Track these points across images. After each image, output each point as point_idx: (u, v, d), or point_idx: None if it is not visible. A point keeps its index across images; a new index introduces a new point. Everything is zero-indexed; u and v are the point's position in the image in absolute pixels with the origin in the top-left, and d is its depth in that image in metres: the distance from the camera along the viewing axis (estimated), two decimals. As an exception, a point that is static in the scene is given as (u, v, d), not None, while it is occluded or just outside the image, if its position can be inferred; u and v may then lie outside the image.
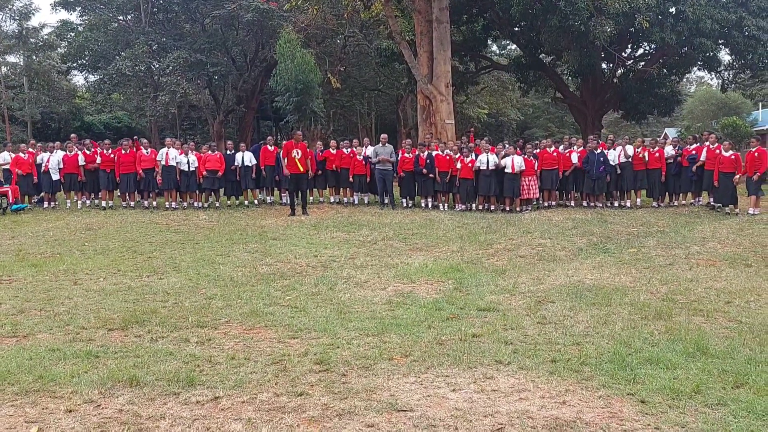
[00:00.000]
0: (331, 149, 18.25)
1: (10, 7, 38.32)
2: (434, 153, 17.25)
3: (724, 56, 33.29)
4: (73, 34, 39.46)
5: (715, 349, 5.98)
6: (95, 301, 7.79)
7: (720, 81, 36.15)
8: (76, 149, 17.30)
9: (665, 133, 54.01)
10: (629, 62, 34.09)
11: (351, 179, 17.86)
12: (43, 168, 16.93)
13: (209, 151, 17.63)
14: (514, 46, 43.81)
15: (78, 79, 47.98)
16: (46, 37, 41.61)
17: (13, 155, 17.23)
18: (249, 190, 18.10)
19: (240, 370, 5.43)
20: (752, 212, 15.29)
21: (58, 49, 41.79)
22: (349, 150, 18.07)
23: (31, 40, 40.18)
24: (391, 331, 6.61)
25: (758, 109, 51.85)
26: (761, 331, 6.62)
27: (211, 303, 7.74)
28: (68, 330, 6.56)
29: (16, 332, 6.49)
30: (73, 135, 19.36)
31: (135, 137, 18.17)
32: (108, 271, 9.61)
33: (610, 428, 4.40)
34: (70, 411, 4.57)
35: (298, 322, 6.93)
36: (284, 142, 17.51)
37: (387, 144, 17.70)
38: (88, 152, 17.29)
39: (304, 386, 5.09)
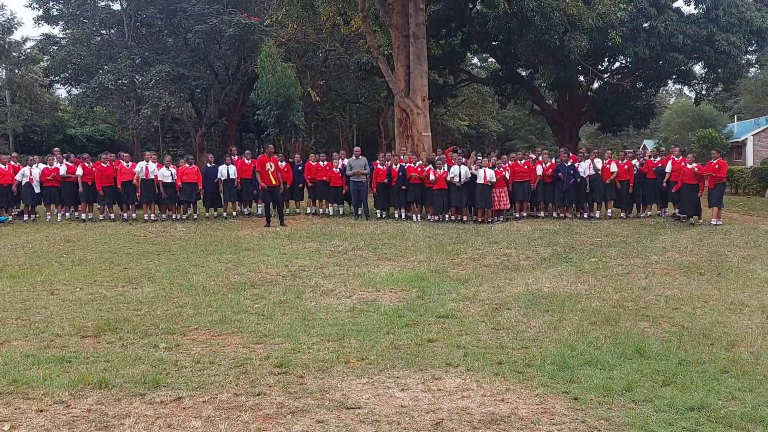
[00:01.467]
0: (311, 161, 18.62)
1: (-8, 21, 38.51)
2: (406, 165, 17.66)
3: (699, 70, 34.05)
4: (55, 48, 39.68)
5: (651, 352, 6.40)
6: (70, 310, 8.10)
7: (695, 94, 36.99)
8: (56, 162, 17.56)
9: (644, 145, 54.92)
10: (605, 76, 34.79)
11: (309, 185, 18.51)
12: (27, 180, 17.17)
13: (186, 164, 17.94)
14: (493, 58, 44.50)
15: (60, 92, 48.19)
16: (28, 50, 41.73)
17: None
18: (229, 202, 18.40)
19: (204, 373, 5.78)
20: (715, 223, 15.81)
21: (41, 62, 41.95)
22: (325, 163, 18.47)
23: (14, 53, 40.27)
24: (351, 336, 6.97)
25: (734, 122, 52.81)
26: (699, 334, 7.05)
27: (182, 311, 8.07)
28: (43, 337, 6.88)
29: (-8, 340, 6.81)
30: (56, 149, 19.64)
31: (118, 152, 18.40)
32: (84, 282, 9.92)
33: (540, 422, 4.80)
34: (41, 411, 4.90)
35: (263, 328, 7.29)
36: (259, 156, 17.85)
37: (360, 156, 18.13)
38: (70, 164, 17.56)
39: (262, 387, 5.45)
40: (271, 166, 16.07)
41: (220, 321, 7.59)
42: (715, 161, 15.85)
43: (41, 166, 17.64)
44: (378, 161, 18.22)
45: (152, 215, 17.55)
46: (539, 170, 17.65)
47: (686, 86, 36.97)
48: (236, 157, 18.47)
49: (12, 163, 17.66)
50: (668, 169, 16.81)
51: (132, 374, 5.67)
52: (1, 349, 6.46)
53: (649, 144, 53.56)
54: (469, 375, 5.82)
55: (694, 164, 16.24)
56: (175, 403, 5.11)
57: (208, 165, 18.31)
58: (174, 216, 17.71)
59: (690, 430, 4.71)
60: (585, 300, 8.70)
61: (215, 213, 18.32)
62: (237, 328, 7.30)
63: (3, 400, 5.11)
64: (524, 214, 17.96)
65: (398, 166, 17.65)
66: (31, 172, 17.30)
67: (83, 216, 17.45)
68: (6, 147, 38.14)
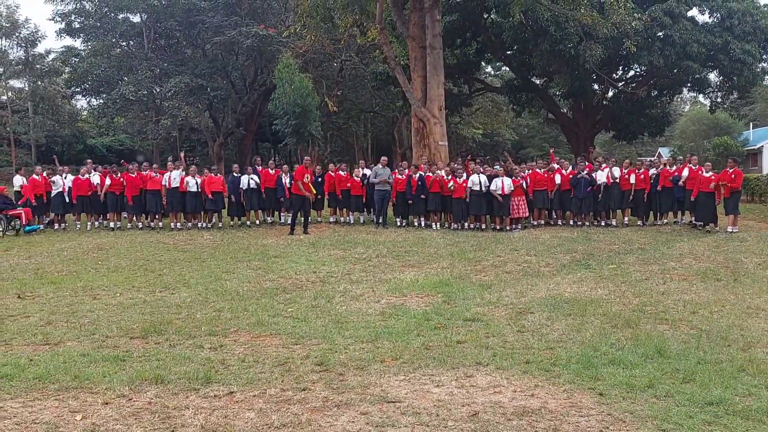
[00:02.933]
0: (331, 172, 19.01)
1: (17, 35, 39.25)
2: (425, 174, 18.01)
3: (714, 78, 34.24)
4: (77, 60, 40.43)
5: (671, 352, 6.73)
6: (115, 313, 8.53)
7: (710, 102, 37.12)
8: (87, 173, 18.09)
9: (659, 153, 55.05)
10: (620, 84, 35.01)
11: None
12: (61, 190, 17.69)
13: (212, 174, 18.41)
14: (507, 67, 44.87)
15: (81, 103, 49.00)
16: (51, 63, 42.50)
17: (25, 178, 18.02)
18: (252, 211, 18.83)
19: (250, 371, 6.18)
20: (731, 230, 16.08)
21: (63, 74, 42.71)
22: (345, 173, 18.91)
23: (37, 66, 41.06)
24: (384, 338, 7.34)
25: (749, 129, 52.84)
26: (717, 337, 7.37)
27: (220, 315, 8.48)
28: (94, 338, 7.30)
29: (47, 341, 7.23)
30: (88, 160, 20.22)
31: (143, 162, 18.95)
32: (123, 287, 10.36)
33: (569, 414, 5.15)
34: (107, 403, 5.31)
35: (299, 330, 7.67)
36: (296, 167, 18.18)
37: (386, 167, 18.51)
38: (101, 174, 18.07)
39: (306, 383, 5.84)
40: (307, 178, 16.49)
41: (258, 324, 7.99)
42: (731, 170, 16.15)
43: (70, 176, 18.20)
44: (397, 171, 18.61)
45: (178, 224, 18.01)
46: (558, 179, 17.95)
47: (701, 94, 37.16)
48: (260, 167, 18.91)
49: (44, 174, 18.18)
50: (684, 174, 17.07)
51: (184, 371, 6.08)
52: (58, 349, 6.89)
53: (664, 152, 53.70)
54: (498, 373, 6.17)
55: (711, 173, 16.53)
56: (228, 397, 5.50)
57: (234, 174, 18.75)
58: (199, 224, 18.17)
59: (709, 422, 5.03)
60: (605, 304, 9.03)
61: (239, 222, 18.75)
62: (275, 331, 7.69)
63: (70, 393, 5.53)
64: (542, 222, 18.28)
65: (417, 175, 18.00)
66: (64, 182, 17.82)
67: (111, 225, 17.93)
68: (28, 157, 38.89)
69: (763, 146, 49.56)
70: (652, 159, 22.17)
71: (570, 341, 7.23)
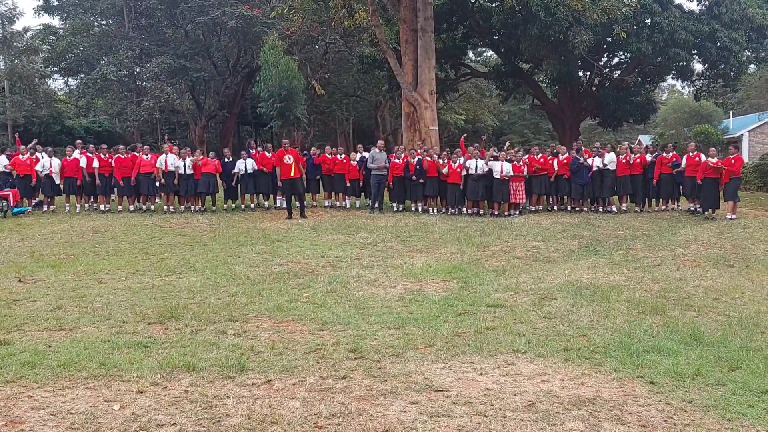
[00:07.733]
0: (327, 154, 18.66)
1: (-7, 11, 38.25)
2: (424, 158, 17.75)
3: (697, 66, 34.32)
4: (55, 38, 39.43)
5: (709, 339, 6.60)
6: (125, 298, 8.21)
7: (693, 90, 37.21)
8: (76, 154, 17.57)
9: (639, 140, 55.23)
10: (606, 71, 34.98)
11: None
12: (47, 172, 17.18)
13: (205, 157, 18.00)
14: (490, 53, 44.59)
15: (58, 83, 47.83)
16: (29, 41, 41.43)
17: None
18: (248, 195, 18.40)
19: (283, 357, 5.92)
20: (730, 217, 16.03)
21: (41, 53, 41.65)
22: (342, 156, 18.57)
23: (15, 44, 39.98)
24: (410, 324, 7.13)
25: (729, 117, 53.20)
26: (749, 323, 7.26)
27: (235, 299, 8.20)
28: (110, 324, 6.98)
29: (62, 326, 6.89)
30: (78, 141, 19.64)
31: (133, 144, 18.49)
32: (127, 271, 10.02)
33: (626, 404, 4.97)
34: (142, 392, 5.03)
35: (321, 316, 7.42)
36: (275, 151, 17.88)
37: (383, 150, 18.20)
38: (90, 156, 17.52)
39: (345, 371, 5.60)
40: (289, 158, 16.13)
41: (276, 309, 7.72)
42: (732, 156, 16.13)
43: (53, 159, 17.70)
44: (395, 155, 18.32)
45: (170, 207, 17.59)
46: (556, 165, 17.79)
47: (685, 82, 37.20)
48: (254, 150, 18.51)
49: (29, 155, 17.62)
50: (683, 164, 17.02)
51: (214, 359, 5.81)
52: (75, 335, 6.57)
53: (645, 139, 53.91)
54: (540, 361, 5.99)
55: (716, 159, 16.49)
56: (266, 385, 5.25)
57: (226, 159, 18.32)
58: (193, 207, 17.76)
59: (771, 411, 4.89)
60: (627, 290, 8.90)
61: (233, 205, 18.38)
62: (296, 316, 7.43)
63: (100, 382, 5.23)
64: (540, 207, 18.14)
65: (416, 159, 17.73)
66: (51, 164, 17.31)
67: (102, 207, 17.45)
68: (5, 138, 37.90)
69: (743, 134, 49.94)
70: (632, 144, 22.08)
71: (601, 328, 7.08)
